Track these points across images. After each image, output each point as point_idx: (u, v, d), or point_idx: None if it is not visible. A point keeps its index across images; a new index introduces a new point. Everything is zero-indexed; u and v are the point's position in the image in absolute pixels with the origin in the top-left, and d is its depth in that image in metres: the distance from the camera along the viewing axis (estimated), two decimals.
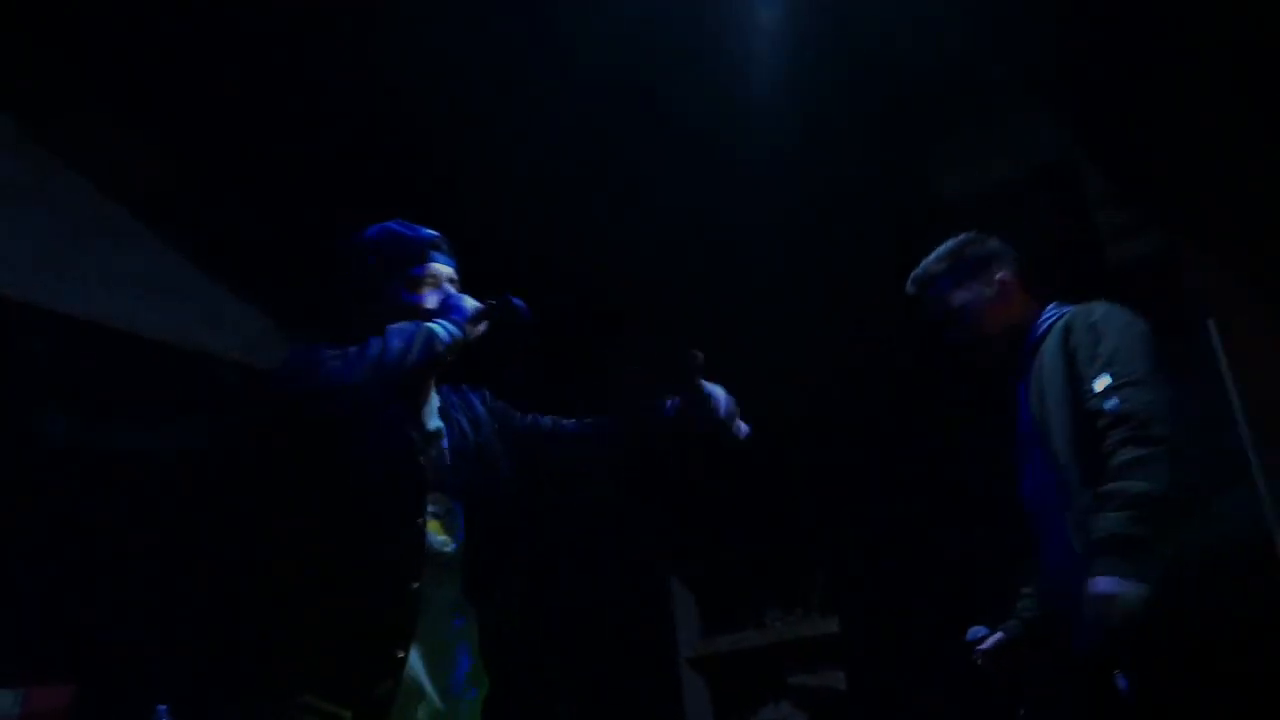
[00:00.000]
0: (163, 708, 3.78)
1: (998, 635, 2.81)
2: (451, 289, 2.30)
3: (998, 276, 2.81)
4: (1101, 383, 2.39)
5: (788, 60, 3.58)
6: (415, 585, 2.03)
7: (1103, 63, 3.56)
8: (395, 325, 2.11)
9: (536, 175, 3.99)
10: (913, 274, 2.90)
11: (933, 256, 2.88)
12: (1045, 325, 2.69)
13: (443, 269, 2.32)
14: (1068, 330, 2.57)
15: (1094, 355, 2.46)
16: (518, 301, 2.24)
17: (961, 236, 2.90)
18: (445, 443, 2.25)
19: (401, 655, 1.99)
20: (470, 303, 2.22)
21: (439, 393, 2.35)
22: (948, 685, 4.20)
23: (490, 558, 2.20)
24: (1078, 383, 2.46)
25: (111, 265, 4.15)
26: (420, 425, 2.23)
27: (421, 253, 2.30)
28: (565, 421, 2.48)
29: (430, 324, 2.12)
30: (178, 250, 4.38)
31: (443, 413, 2.30)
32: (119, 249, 4.21)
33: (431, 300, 2.24)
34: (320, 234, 4.13)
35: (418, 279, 2.26)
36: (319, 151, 4.00)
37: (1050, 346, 2.60)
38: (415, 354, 2.04)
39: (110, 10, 3.65)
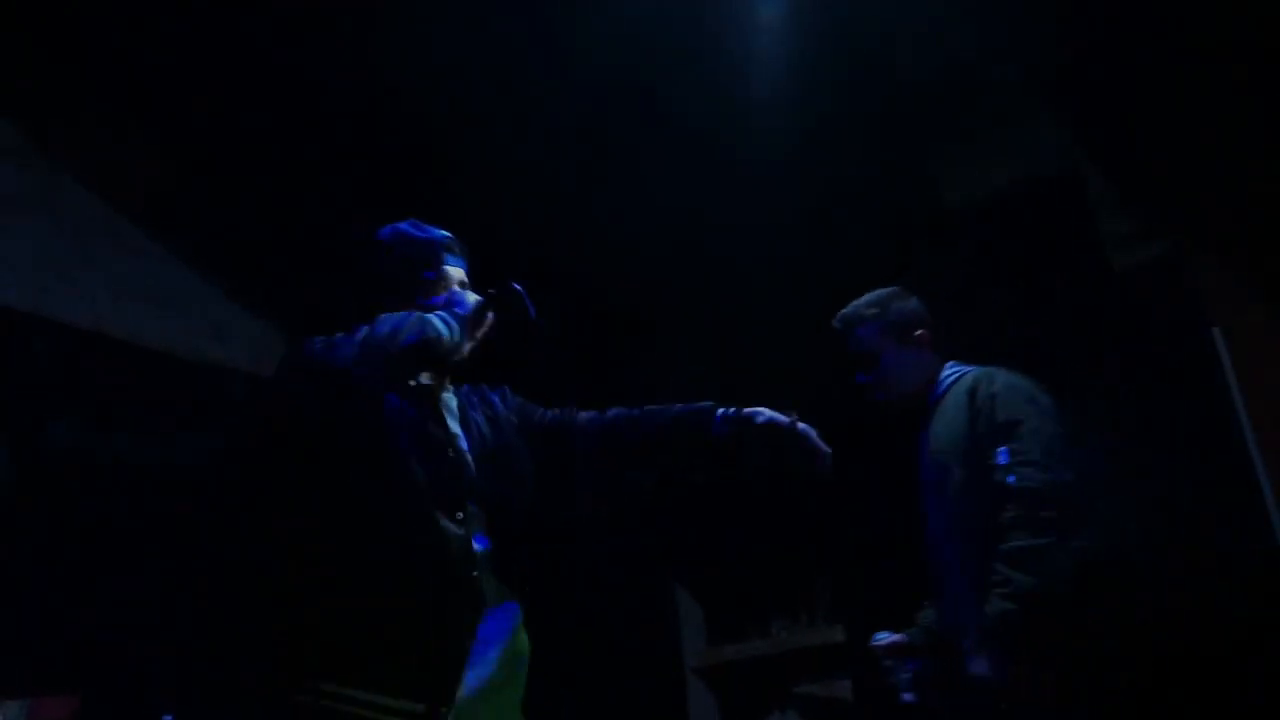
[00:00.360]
0: (168, 717, 3.79)
1: (898, 636, 3.03)
2: (459, 290, 2.28)
3: (916, 334, 3.00)
4: (1001, 455, 2.61)
5: (790, 63, 3.60)
6: (475, 574, 2.04)
7: (1106, 68, 3.57)
8: (383, 315, 2.07)
9: (537, 175, 4.00)
10: (842, 312, 3.05)
11: (864, 300, 3.05)
12: (947, 383, 2.91)
13: (454, 271, 2.31)
14: (972, 394, 2.77)
15: (994, 425, 2.66)
16: (516, 286, 2.22)
17: (890, 290, 3.07)
18: (464, 444, 2.23)
19: (468, 645, 1.99)
20: (472, 298, 2.22)
21: (457, 394, 2.33)
22: (952, 693, 4.20)
23: (511, 558, 2.19)
24: (979, 445, 2.67)
25: (117, 275, 4.16)
26: (442, 426, 2.22)
27: (435, 255, 2.30)
28: (593, 414, 2.44)
29: (426, 314, 2.10)
30: (183, 260, 4.39)
31: (460, 414, 2.29)
32: (124, 259, 4.22)
33: (441, 302, 2.22)
34: (326, 243, 4.19)
35: (431, 283, 2.26)
36: (325, 159, 4.02)
37: (952, 404, 2.82)
38: (406, 336, 2.01)
39: (115, 19, 3.68)
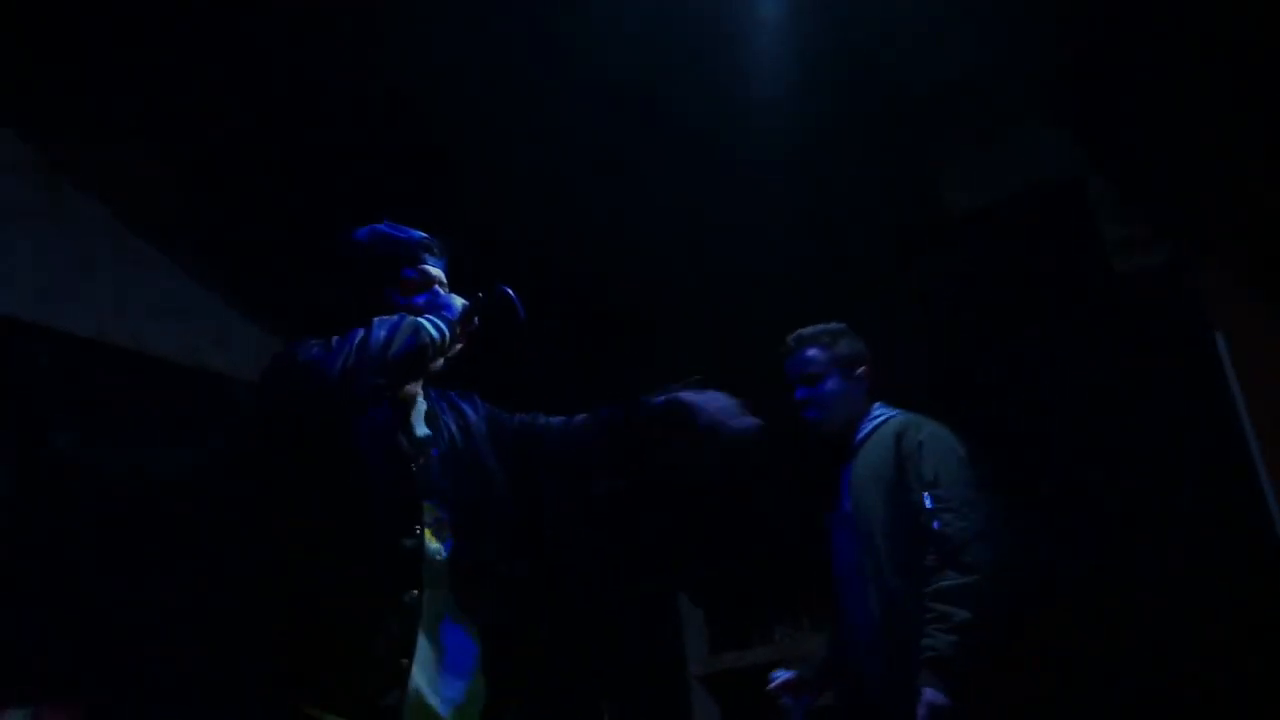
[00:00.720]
0: None
1: (792, 674, 3.18)
2: (441, 291, 2.25)
3: (859, 370, 3.15)
4: (926, 500, 2.80)
5: (791, 66, 3.61)
6: (415, 593, 2.00)
7: (1108, 73, 3.59)
8: (379, 317, 2.04)
9: (538, 176, 4.01)
10: (798, 332, 3.16)
11: (820, 328, 3.17)
12: (874, 424, 3.06)
13: (434, 271, 2.27)
14: (899, 438, 2.93)
15: (920, 472, 2.84)
16: (507, 290, 2.20)
17: (842, 327, 3.20)
18: (435, 450, 2.20)
19: (406, 663, 1.96)
20: (459, 301, 2.19)
21: (427, 398, 2.30)
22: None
23: (483, 567, 2.15)
24: (904, 490, 2.84)
25: (119, 283, 4.18)
26: (410, 432, 2.19)
27: (414, 255, 2.26)
28: (561, 419, 2.42)
29: (419, 318, 2.07)
30: (185, 268, 4.40)
31: (431, 419, 2.26)
32: (126, 267, 4.23)
33: (422, 303, 2.20)
34: (330, 249, 4.19)
35: (409, 281, 2.22)
36: (327, 164, 4.02)
37: (878, 446, 2.98)
38: (400, 343, 1.98)
39: (118, 30, 3.69)
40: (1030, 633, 4.10)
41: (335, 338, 2.01)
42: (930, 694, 2.61)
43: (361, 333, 1.99)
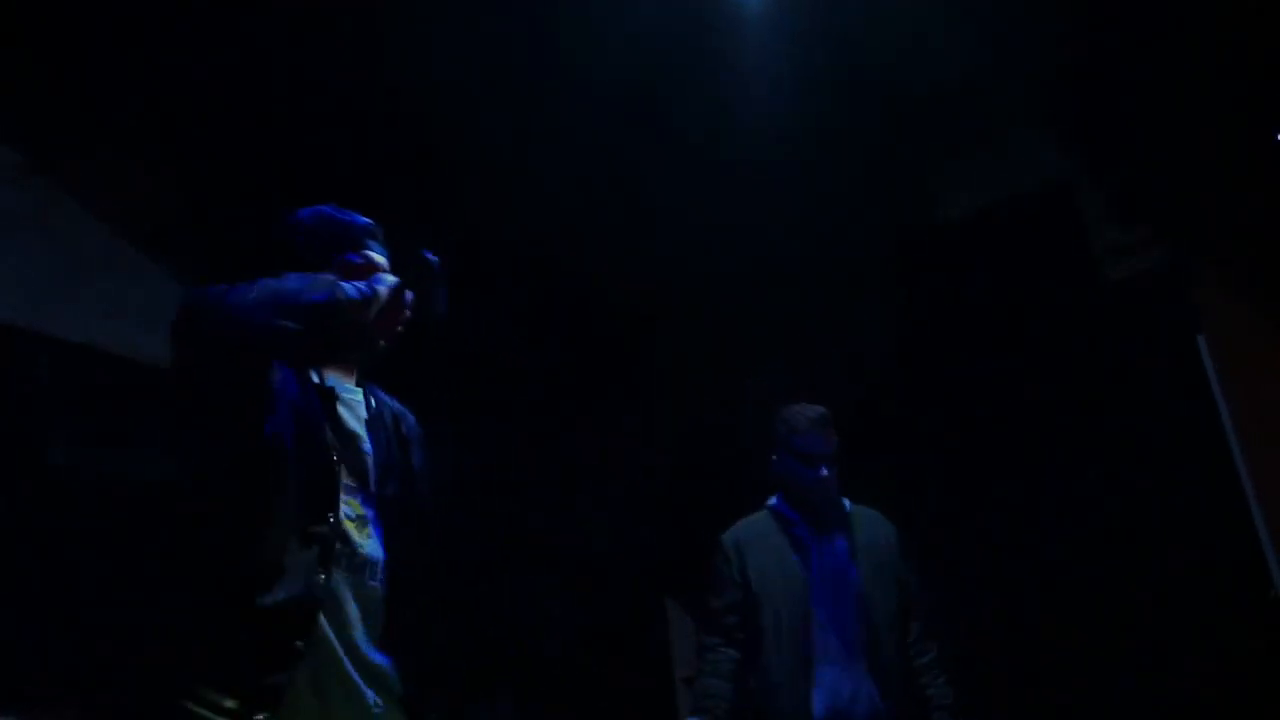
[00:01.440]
0: None
1: None
2: (380, 274, 2.15)
3: None
4: (916, 583, 3.23)
5: (787, 75, 3.66)
6: (322, 579, 1.94)
7: (1100, 84, 3.66)
8: (288, 275, 1.97)
9: (540, 182, 4.01)
10: (824, 410, 3.25)
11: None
12: (847, 506, 3.28)
13: (377, 258, 2.20)
14: (885, 522, 3.29)
15: (908, 555, 3.25)
16: (429, 255, 2.13)
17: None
18: (368, 448, 2.15)
19: (299, 645, 1.89)
20: (389, 279, 2.10)
21: (372, 396, 2.25)
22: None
23: (412, 572, 2.11)
24: (899, 567, 3.20)
25: (111, 293, 4.12)
26: (339, 425, 2.12)
27: (357, 240, 2.20)
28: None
29: (337, 279, 2.00)
30: (178, 278, 4.35)
31: (372, 418, 2.19)
32: (119, 276, 4.18)
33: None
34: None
35: (352, 266, 2.15)
36: (323, 173, 4.00)
37: (872, 523, 3.27)
38: (315, 293, 1.92)
39: (113, 40, 3.65)
40: (1025, 633, 4.20)
41: (242, 283, 1.92)
42: None
43: (272, 280, 1.93)
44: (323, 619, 1.94)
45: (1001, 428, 4.21)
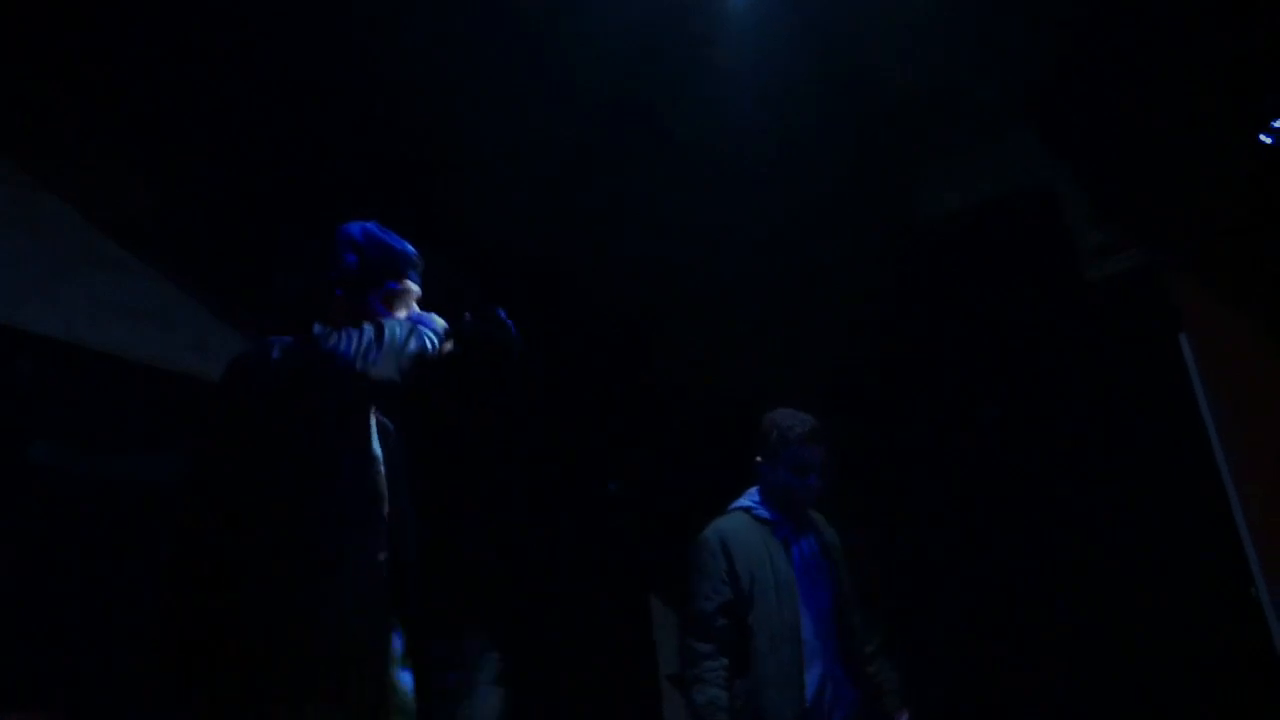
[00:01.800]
0: None
1: None
2: (417, 308, 2.28)
3: None
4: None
5: (774, 79, 3.66)
6: (369, 592, 2.06)
7: (1083, 87, 3.69)
8: (387, 319, 2.08)
9: (526, 184, 4.02)
10: (816, 424, 3.28)
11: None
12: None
13: (415, 288, 2.30)
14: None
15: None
16: (498, 311, 2.23)
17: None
18: (383, 469, 2.23)
19: (358, 654, 2.02)
20: (439, 322, 2.21)
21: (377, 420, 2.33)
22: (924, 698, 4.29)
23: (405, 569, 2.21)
24: (849, 580, 3.34)
25: (96, 290, 4.11)
26: (371, 449, 2.22)
27: (402, 268, 2.28)
28: None
29: (417, 325, 2.11)
30: (163, 276, 4.34)
31: (380, 439, 2.27)
32: (104, 273, 4.17)
33: (401, 316, 2.21)
34: (311, 254, 4.16)
35: (394, 294, 2.24)
36: (311, 174, 4.00)
37: (833, 536, 3.38)
38: (413, 346, 2.04)
39: (98, 39, 3.63)
40: (1006, 630, 4.23)
41: (349, 332, 2.03)
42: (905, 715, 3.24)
43: (372, 330, 2.03)
44: (371, 627, 2.05)
45: (984, 426, 4.24)
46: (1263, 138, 3.46)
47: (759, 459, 3.29)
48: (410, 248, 2.33)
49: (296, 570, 2.00)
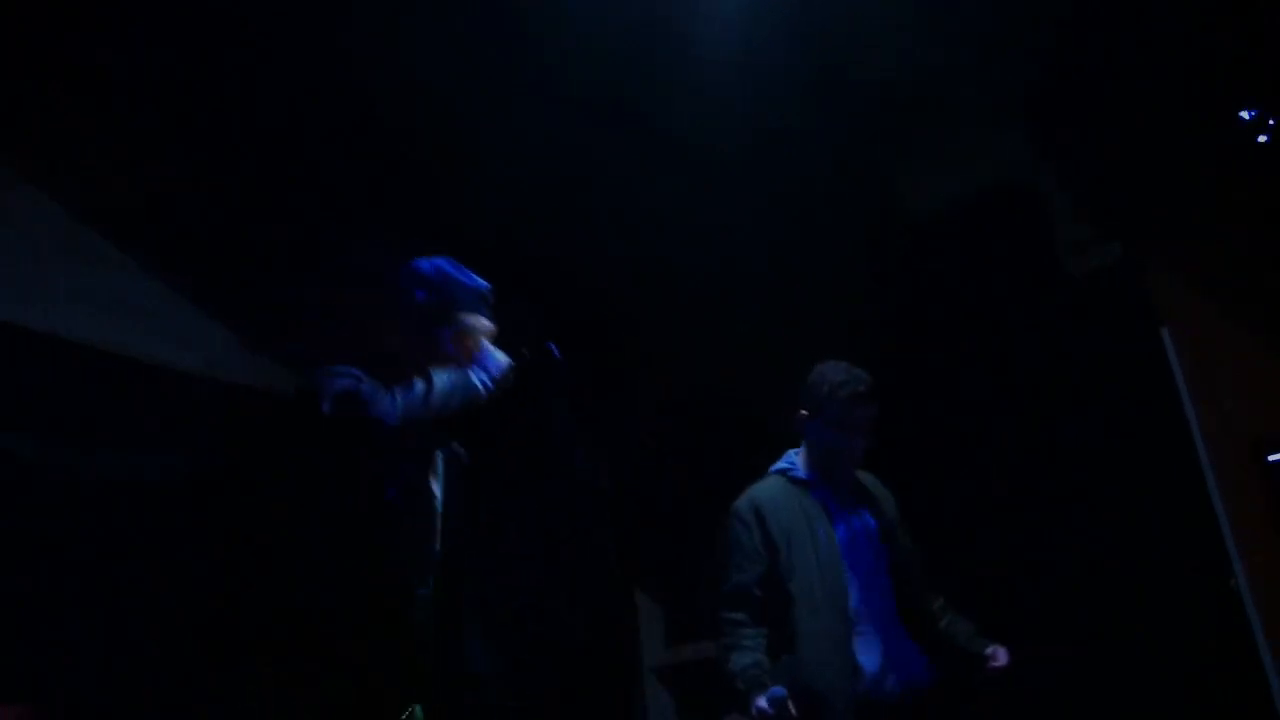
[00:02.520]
0: None
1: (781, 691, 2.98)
2: (489, 344, 2.32)
3: None
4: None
5: (758, 72, 3.67)
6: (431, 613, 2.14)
7: (1065, 83, 3.70)
8: (441, 371, 2.14)
9: (518, 181, 4.01)
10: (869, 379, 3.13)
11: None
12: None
13: (486, 324, 2.35)
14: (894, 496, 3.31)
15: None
16: (552, 348, 2.28)
17: None
18: (439, 505, 2.29)
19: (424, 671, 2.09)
20: (503, 358, 2.26)
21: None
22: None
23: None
24: (907, 544, 3.23)
25: (76, 283, 4.07)
26: (429, 487, 2.28)
27: (473, 304, 2.33)
28: None
29: (470, 374, 2.17)
30: (141, 267, 4.31)
31: (443, 472, 2.33)
32: (82, 266, 4.13)
33: (470, 352, 2.27)
34: (288, 251, 4.15)
35: (464, 330, 2.29)
36: (293, 169, 3.98)
37: (877, 488, 3.27)
38: (457, 401, 2.10)
39: (79, 29, 3.61)
40: (986, 623, 4.24)
41: (401, 390, 2.09)
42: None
43: (423, 387, 2.09)
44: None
45: (966, 420, 4.24)
46: (1260, 138, 3.48)
47: (803, 413, 3.13)
48: (482, 283, 2.37)
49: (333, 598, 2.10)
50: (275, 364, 4.44)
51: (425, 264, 2.36)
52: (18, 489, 3.81)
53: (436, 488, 2.26)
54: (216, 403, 4.38)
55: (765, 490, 3.13)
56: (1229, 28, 3.47)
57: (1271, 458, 3.55)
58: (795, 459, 3.19)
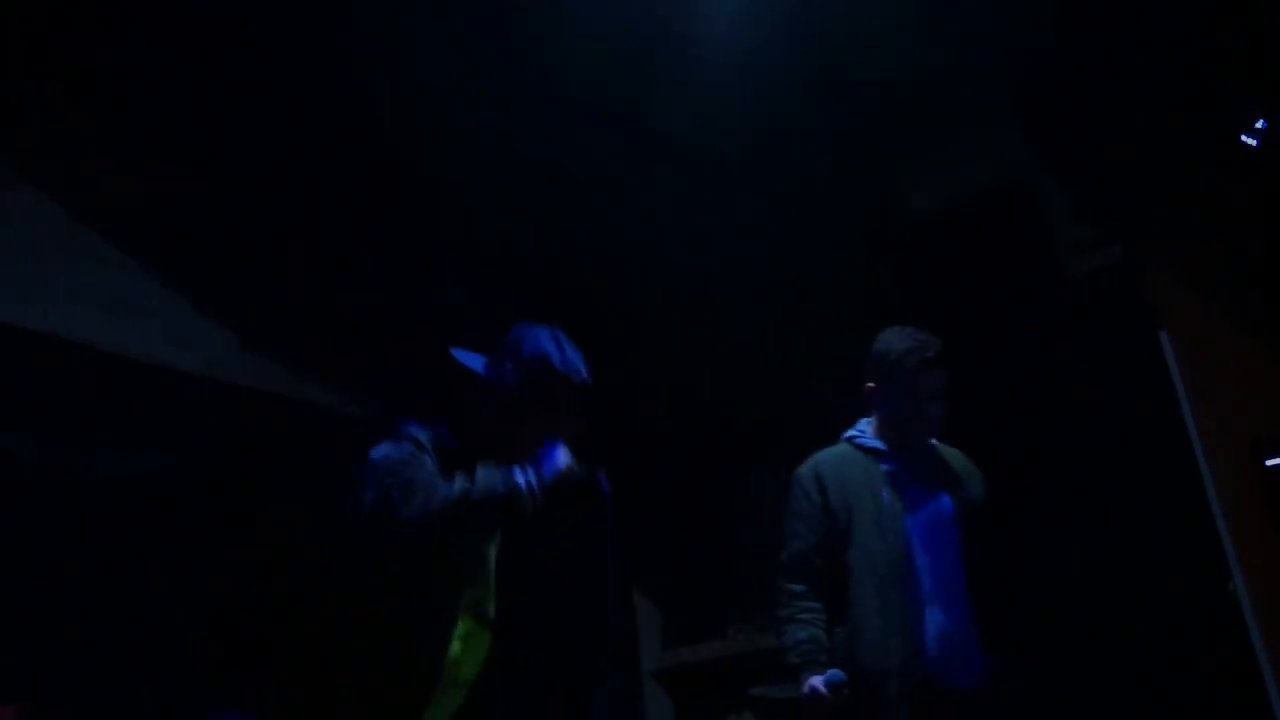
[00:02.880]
0: None
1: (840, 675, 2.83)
2: (557, 448, 2.17)
3: None
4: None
5: (757, 72, 3.67)
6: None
7: (1064, 82, 3.70)
8: (487, 472, 2.04)
9: (515, 181, 4.02)
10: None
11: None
12: (937, 445, 3.11)
13: (573, 426, 2.25)
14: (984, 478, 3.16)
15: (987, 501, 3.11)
16: (604, 481, 2.16)
17: None
18: (489, 570, 2.35)
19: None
20: (564, 459, 2.12)
21: None
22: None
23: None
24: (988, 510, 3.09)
25: (74, 282, 4.07)
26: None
27: (566, 400, 2.24)
28: None
29: (518, 480, 2.04)
30: (140, 267, 4.30)
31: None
32: (80, 264, 4.12)
33: (543, 448, 2.15)
34: (287, 252, 4.15)
35: (544, 422, 2.20)
36: (290, 170, 3.98)
37: (961, 465, 3.12)
38: (485, 510, 2.01)
39: (75, 26, 3.61)
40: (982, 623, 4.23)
41: (443, 486, 2.00)
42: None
43: (460, 490, 1.98)
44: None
45: (964, 421, 4.23)
46: (1245, 139, 3.46)
47: (870, 385, 3.04)
48: (586, 375, 2.26)
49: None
50: (275, 364, 4.44)
51: (528, 339, 2.25)
52: (18, 489, 3.82)
53: (491, 551, 2.30)
54: (216, 403, 4.38)
55: (830, 457, 3.03)
56: (1229, 28, 3.47)
57: (1270, 461, 3.53)
58: (865, 426, 3.08)
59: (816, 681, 2.70)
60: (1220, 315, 3.66)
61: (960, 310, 4.19)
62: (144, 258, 4.31)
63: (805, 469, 3.02)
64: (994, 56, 3.68)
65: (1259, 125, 3.41)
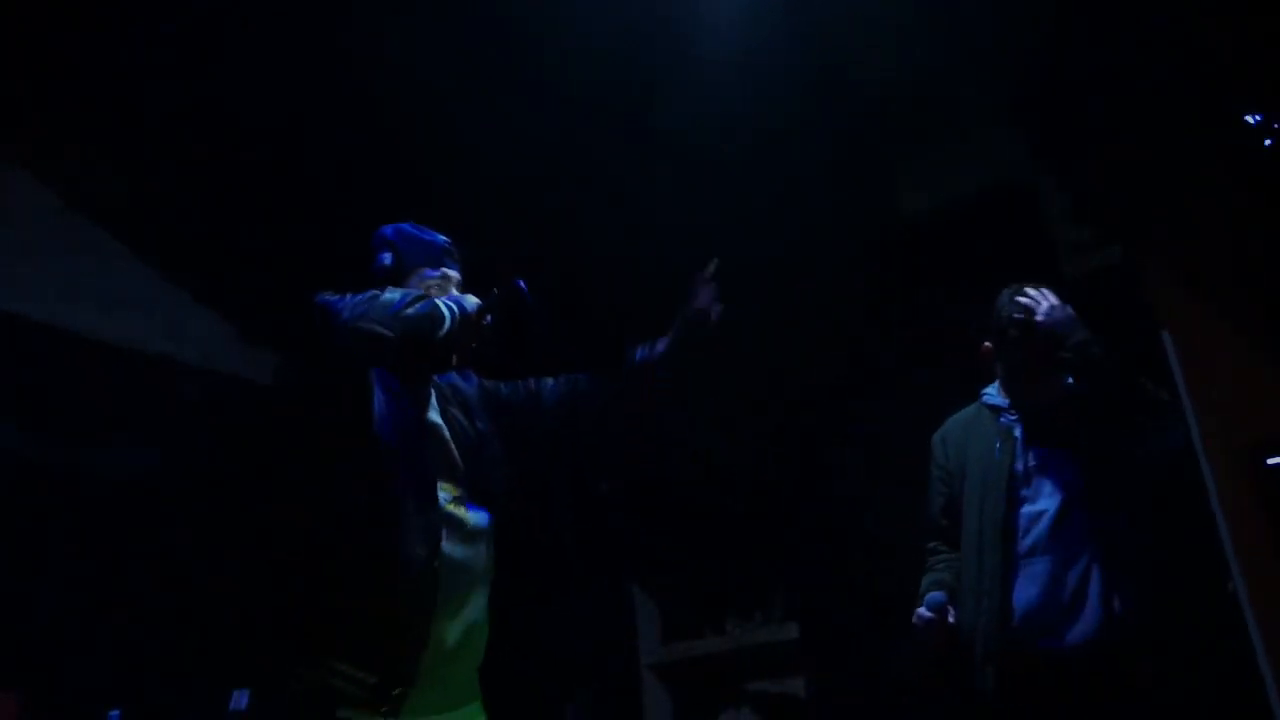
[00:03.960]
0: (115, 713, 3.74)
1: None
2: (457, 293, 2.34)
3: None
4: None
5: (757, 73, 3.66)
6: (435, 564, 2.10)
7: (1063, 83, 3.70)
8: (387, 289, 2.12)
9: (516, 181, 4.02)
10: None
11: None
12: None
13: (454, 274, 2.38)
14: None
15: None
16: (519, 283, 2.27)
17: None
18: (446, 434, 2.30)
19: (426, 626, 2.07)
20: (471, 301, 2.24)
21: (436, 390, 2.38)
22: (905, 692, 4.30)
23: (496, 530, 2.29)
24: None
25: (73, 275, 4.09)
26: (421, 421, 2.28)
27: (438, 258, 2.36)
28: (555, 380, 2.57)
29: (435, 300, 2.13)
30: (139, 260, 4.31)
31: (440, 407, 2.34)
32: (79, 257, 4.14)
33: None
34: (284, 240, 4.15)
35: (432, 284, 2.31)
36: (286, 163, 3.98)
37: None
38: (412, 309, 2.04)
39: (72, 19, 3.61)
40: None
41: (362, 296, 2.07)
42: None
43: (377, 293, 2.07)
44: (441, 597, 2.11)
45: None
46: (1267, 141, 3.46)
47: (986, 345, 3.01)
48: (443, 238, 2.42)
49: (348, 544, 2.08)
50: (272, 356, 4.45)
51: (387, 228, 2.40)
52: (16, 486, 3.83)
53: (435, 418, 2.30)
54: (214, 395, 4.39)
55: (957, 418, 3.06)
56: (1229, 28, 3.47)
57: (1270, 461, 3.53)
58: (996, 385, 3.03)
59: (921, 609, 2.72)
60: (1220, 315, 3.66)
61: (957, 310, 4.20)
62: (142, 252, 4.32)
63: (936, 435, 3.07)
64: (994, 57, 3.67)
65: (1275, 126, 3.40)
